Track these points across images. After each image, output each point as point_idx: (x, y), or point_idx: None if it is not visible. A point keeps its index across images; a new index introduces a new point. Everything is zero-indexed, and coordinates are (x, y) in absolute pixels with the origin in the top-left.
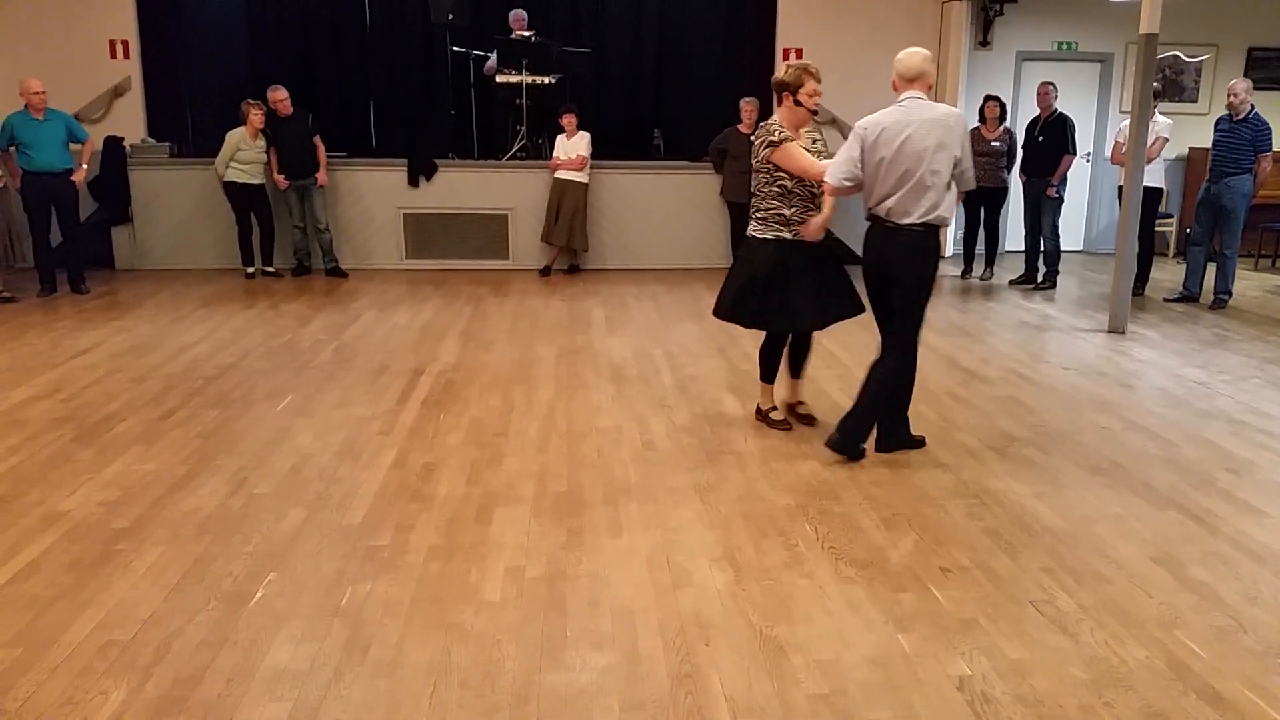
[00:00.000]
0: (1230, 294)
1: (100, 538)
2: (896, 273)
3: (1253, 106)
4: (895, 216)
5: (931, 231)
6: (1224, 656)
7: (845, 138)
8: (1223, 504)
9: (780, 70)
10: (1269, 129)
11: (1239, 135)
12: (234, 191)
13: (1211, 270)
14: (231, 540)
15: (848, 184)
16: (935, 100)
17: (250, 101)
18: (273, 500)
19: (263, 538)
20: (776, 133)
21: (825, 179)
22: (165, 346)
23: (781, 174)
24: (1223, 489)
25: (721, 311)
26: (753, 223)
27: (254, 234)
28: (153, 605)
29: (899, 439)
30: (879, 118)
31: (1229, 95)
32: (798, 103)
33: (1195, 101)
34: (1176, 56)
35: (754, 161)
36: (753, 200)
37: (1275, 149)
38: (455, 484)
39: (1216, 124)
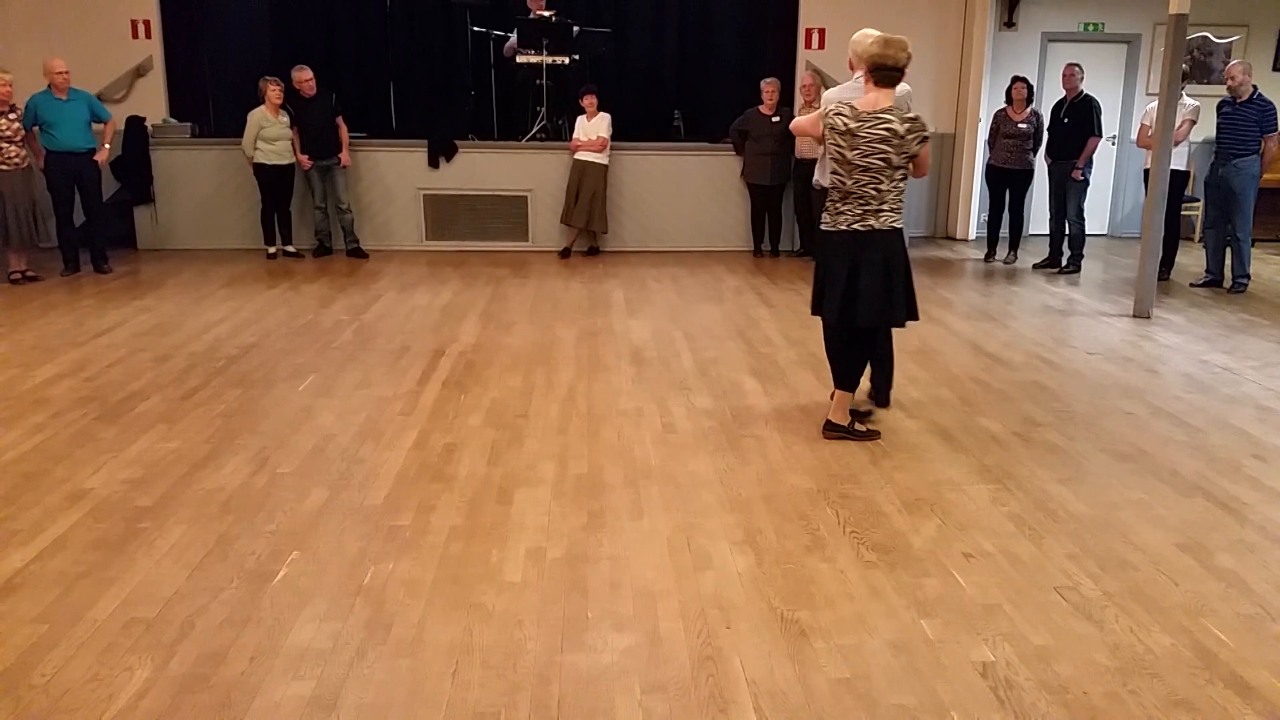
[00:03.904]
0: (1248, 277)
1: (124, 516)
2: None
3: (1256, 87)
4: None
5: None
6: (1252, 645)
7: None
8: (1250, 491)
9: (898, 47)
10: (1274, 109)
11: (1245, 117)
12: (264, 174)
13: (1229, 254)
14: (254, 519)
15: None
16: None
17: (268, 78)
18: (295, 480)
19: (285, 517)
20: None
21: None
22: (188, 326)
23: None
24: (1250, 476)
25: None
26: (891, 214)
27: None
28: (176, 583)
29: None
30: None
31: (1228, 79)
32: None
33: (1224, 84)
34: (1206, 38)
35: (897, 157)
36: (872, 192)
37: None
38: (476, 465)
39: (1219, 107)
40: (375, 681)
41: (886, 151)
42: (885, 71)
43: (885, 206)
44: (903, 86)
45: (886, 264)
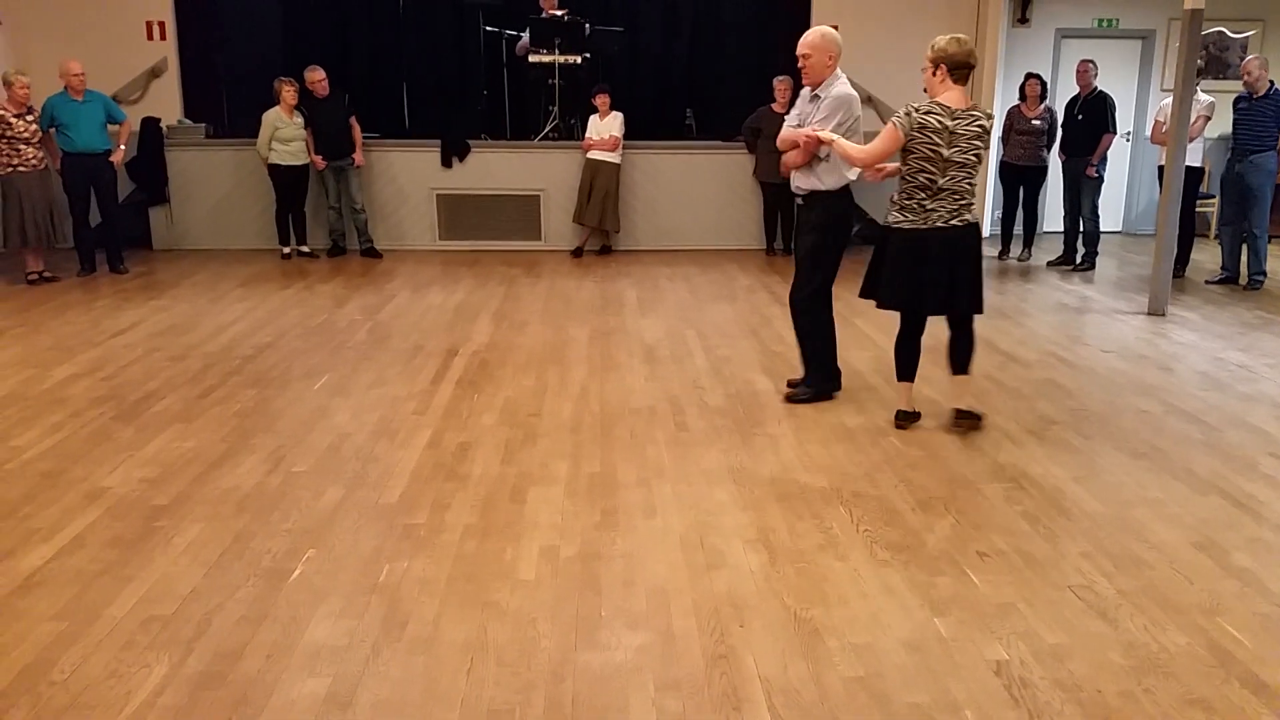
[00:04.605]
0: (1265, 274)
1: (141, 514)
2: None
3: (1273, 83)
4: None
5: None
6: (1268, 644)
7: (882, 117)
8: (1267, 490)
9: (949, 41)
10: None
11: (1261, 112)
12: (279, 174)
13: (1245, 251)
14: (270, 518)
15: None
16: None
17: (282, 79)
18: (311, 478)
19: (301, 515)
20: None
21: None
22: (203, 326)
23: None
24: (1266, 474)
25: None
26: (974, 206)
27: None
28: (193, 581)
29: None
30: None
31: (1244, 75)
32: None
33: (1240, 79)
34: (1221, 32)
35: (984, 150)
36: (966, 187)
37: None
38: (490, 464)
39: (1235, 102)
40: (390, 679)
41: (979, 147)
42: (967, 70)
43: (972, 200)
44: (848, 89)
45: (976, 255)
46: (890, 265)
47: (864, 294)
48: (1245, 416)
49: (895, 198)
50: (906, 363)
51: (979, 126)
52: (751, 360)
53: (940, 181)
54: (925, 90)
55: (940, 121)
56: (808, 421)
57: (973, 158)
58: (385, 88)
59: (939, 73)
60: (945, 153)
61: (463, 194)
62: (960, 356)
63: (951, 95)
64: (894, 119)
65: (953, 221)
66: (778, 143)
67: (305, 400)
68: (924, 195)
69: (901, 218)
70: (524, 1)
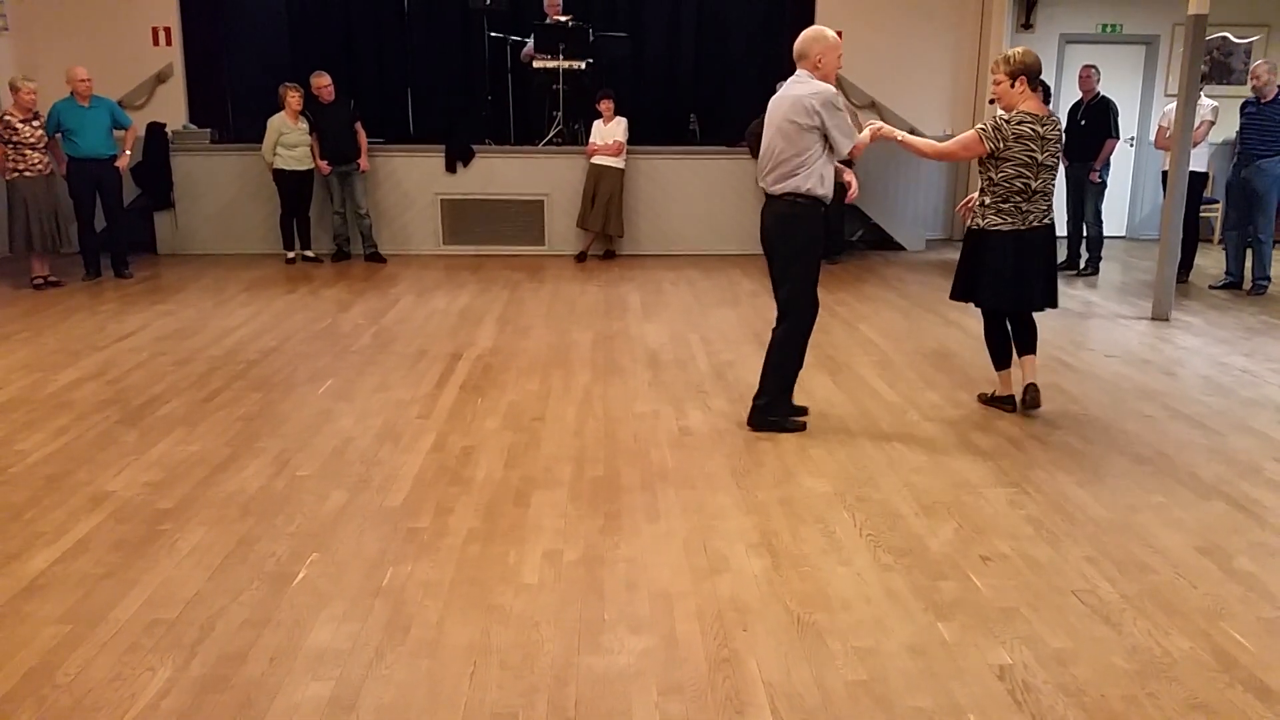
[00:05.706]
0: (1269, 279)
1: (145, 518)
2: (771, 240)
3: None
4: (767, 187)
5: (797, 202)
6: (1271, 649)
7: (883, 121)
8: (1270, 494)
9: (1024, 53)
10: None
11: (1269, 117)
12: (283, 179)
13: (1249, 256)
14: (274, 521)
15: None
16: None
17: (288, 84)
18: (315, 482)
19: (305, 519)
20: None
21: None
22: (208, 330)
23: None
24: (1270, 479)
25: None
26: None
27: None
28: (197, 585)
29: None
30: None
31: (1252, 79)
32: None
33: (1244, 84)
34: (1225, 38)
35: (1051, 158)
36: (1051, 188)
37: None
38: (493, 467)
39: (1243, 107)
40: (394, 682)
41: (1059, 149)
42: (1040, 77)
43: (1052, 200)
44: (830, 88)
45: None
46: (992, 268)
47: (959, 297)
48: (1249, 421)
49: (987, 202)
50: (1001, 351)
51: (1058, 131)
52: (755, 365)
53: (1033, 184)
54: (993, 101)
55: (1033, 129)
56: (811, 425)
57: (1055, 160)
58: (390, 93)
59: (1018, 83)
60: (1039, 157)
61: (467, 199)
62: (1027, 339)
63: (1032, 104)
64: (980, 130)
65: (1045, 220)
66: (857, 150)
67: (309, 404)
68: (1020, 199)
69: (1001, 220)
70: (529, 7)
